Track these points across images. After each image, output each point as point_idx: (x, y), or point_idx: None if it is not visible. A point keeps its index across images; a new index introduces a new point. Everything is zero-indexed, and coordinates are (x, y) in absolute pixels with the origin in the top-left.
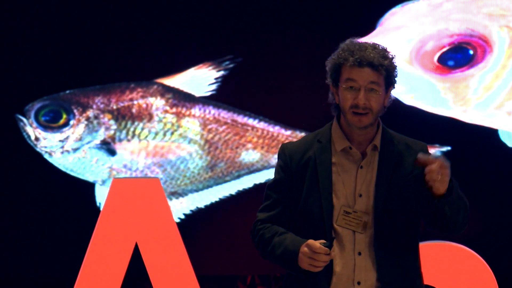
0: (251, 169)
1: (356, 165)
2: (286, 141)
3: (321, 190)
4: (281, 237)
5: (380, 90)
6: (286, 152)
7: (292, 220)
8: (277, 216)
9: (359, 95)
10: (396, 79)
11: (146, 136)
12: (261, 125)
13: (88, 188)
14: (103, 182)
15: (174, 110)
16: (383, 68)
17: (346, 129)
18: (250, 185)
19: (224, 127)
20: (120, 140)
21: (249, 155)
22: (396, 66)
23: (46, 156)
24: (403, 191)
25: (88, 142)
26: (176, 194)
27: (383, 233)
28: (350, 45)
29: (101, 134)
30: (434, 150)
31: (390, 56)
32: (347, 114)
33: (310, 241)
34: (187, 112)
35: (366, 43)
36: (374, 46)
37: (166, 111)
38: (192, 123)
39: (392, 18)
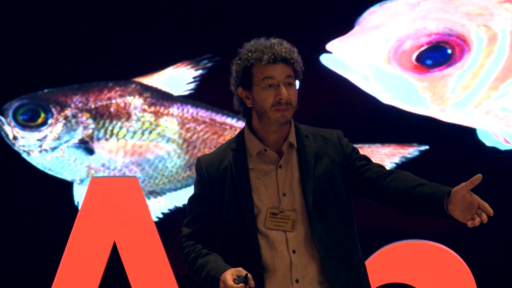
0: None
1: (274, 166)
2: None
3: (240, 197)
4: (204, 259)
5: (295, 84)
6: (202, 166)
7: (218, 232)
8: (200, 230)
9: (281, 91)
10: (301, 72)
11: (124, 135)
12: (239, 124)
13: (66, 187)
14: (81, 181)
15: (152, 109)
16: (294, 61)
17: (260, 132)
18: None
19: (202, 126)
20: (98, 139)
21: None
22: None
23: (24, 155)
24: (330, 181)
25: (66, 141)
26: (154, 193)
27: (319, 227)
28: (257, 45)
29: (79, 133)
30: (412, 149)
31: (295, 49)
32: (268, 113)
33: (223, 277)
34: (165, 111)
35: (270, 40)
36: (280, 42)
37: (144, 110)
38: (170, 122)
39: (370, 17)
